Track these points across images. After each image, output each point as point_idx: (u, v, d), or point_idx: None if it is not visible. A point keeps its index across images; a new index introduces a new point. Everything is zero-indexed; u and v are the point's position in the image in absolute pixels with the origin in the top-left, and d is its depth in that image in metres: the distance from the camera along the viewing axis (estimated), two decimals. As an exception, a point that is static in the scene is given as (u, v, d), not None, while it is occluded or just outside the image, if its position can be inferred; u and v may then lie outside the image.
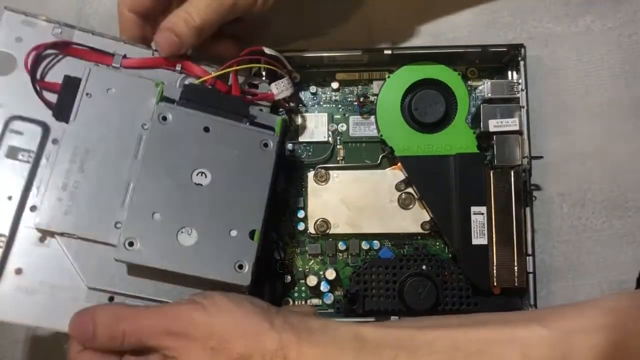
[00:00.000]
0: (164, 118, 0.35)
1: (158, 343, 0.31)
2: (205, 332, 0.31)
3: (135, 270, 0.34)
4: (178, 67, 0.38)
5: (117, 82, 0.36)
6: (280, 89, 0.40)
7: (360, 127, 0.44)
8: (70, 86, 0.35)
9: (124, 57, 0.37)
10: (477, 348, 0.31)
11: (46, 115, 0.35)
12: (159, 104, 0.35)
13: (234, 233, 0.35)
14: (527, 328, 0.31)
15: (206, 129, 0.35)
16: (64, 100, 0.35)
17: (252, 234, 0.35)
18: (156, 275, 0.34)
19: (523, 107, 0.42)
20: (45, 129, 0.35)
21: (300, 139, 0.44)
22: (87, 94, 0.35)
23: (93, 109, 0.35)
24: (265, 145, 0.37)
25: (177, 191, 0.34)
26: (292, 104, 0.43)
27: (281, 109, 0.43)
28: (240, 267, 0.34)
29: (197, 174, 0.35)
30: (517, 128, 0.41)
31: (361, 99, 0.44)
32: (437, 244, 0.43)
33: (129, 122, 0.35)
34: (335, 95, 0.45)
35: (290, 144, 0.44)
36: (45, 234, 0.34)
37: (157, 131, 0.35)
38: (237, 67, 0.38)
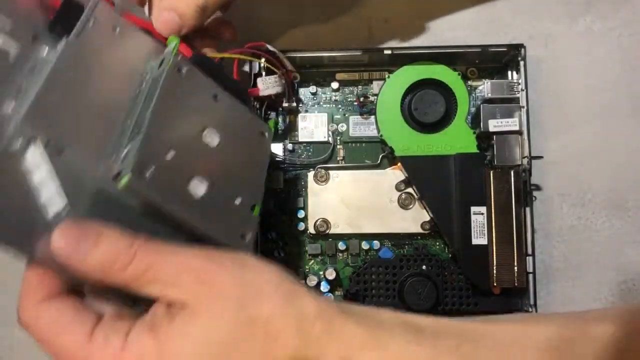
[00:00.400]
0: (179, 70, 0.33)
1: (174, 280, 0.24)
2: (230, 280, 0.25)
3: (124, 208, 0.29)
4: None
5: (124, 26, 0.33)
6: (266, 84, 0.40)
7: (360, 127, 0.44)
8: (72, 7, 0.31)
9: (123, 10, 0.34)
10: (555, 345, 0.27)
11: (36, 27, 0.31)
12: (175, 56, 0.33)
13: (238, 201, 0.33)
14: (602, 324, 0.27)
15: (215, 97, 0.34)
16: (64, 15, 0.31)
17: (252, 208, 0.34)
18: (147, 221, 0.29)
19: (523, 107, 0.42)
20: (35, 37, 0.30)
21: (300, 139, 0.44)
22: (93, 19, 0.31)
23: (95, 36, 0.31)
24: (262, 134, 0.36)
25: (189, 140, 0.32)
26: (289, 104, 0.43)
27: (280, 108, 0.43)
28: (242, 236, 0.33)
29: (206, 133, 0.33)
30: (517, 128, 0.41)
31: (361, 99, 0.44)
32: (437, 244, 0.43)
33: (130, 65, 0.33)
34: (335, 95, 0.45)
35: (290, 144, 0.44)
36: (22, 140, 0.27)
37: (172, 79, 0.32)
38: (239, 56, 0.38)
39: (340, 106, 0.45)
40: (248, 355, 0.24)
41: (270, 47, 0.39)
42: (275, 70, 0.40)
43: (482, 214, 0.41)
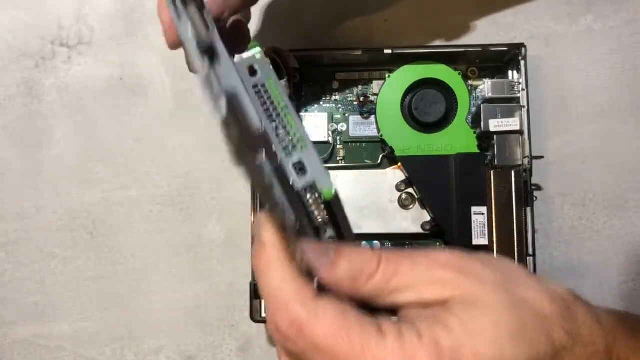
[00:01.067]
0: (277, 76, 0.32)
1: (429, 279, 0.23)
2: (484, 268, 0.24)
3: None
4: None
5: None
6: None
7: (360, 127, 0.44)
8: None
9: None
10: None
11: None
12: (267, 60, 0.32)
13: None
14: None
15: None
16: None
17: None
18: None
19: (524, 106, 0.41)
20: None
21: (300, 139, 0.44)
22: None
23: None
24: None
25: None
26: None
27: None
28: None
29: None
30: (517, 128, 0.41)
31: (361, 99, 0.44)
32: (438, 244, 0.43)
33: None
34: (335, 95, 0.45)
35: (290, 144, 0.44)
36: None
37: (278, 83, 0.31)
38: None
39: (340, 106, 0.45)
40: (534, 335, 0.23)
41: (276, 47, 0.39)
42: (286, 71, 0.40)
43: (483, 214, 0.41)
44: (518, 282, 0.24)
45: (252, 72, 0.32)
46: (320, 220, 0.28)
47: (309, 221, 0.27)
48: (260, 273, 0.23)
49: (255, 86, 0.31)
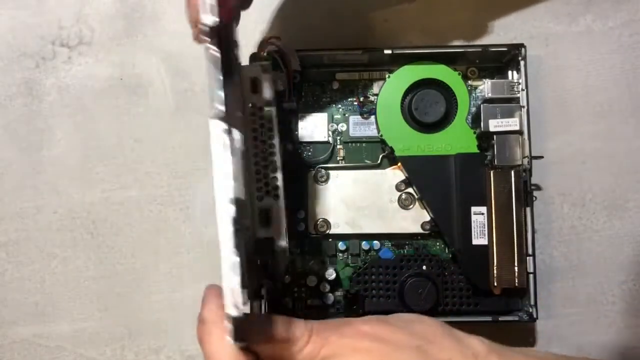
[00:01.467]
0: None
1: (353, 347, 0.27)
2: (403, 334, 0.28)
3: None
4: None
5: None
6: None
7: (360, 127, 0.44)
8: None
9: None
10: None
11: None
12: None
13: None
14: None
15: None
16: None
17: None
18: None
19: (523, 107, 0.41)
20: None
21: (300, 139, 0.44)
22: None
23: None
24: None
25: None
26: (289, 103, 0.43)
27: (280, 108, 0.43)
28: None
29: None
30: (517, 128, 0.41)
31: (361, 99, 0.44)
32: (437, 244, 0.43)
33: None
34: (335, 95, 0.45)
35: (290, 144, 0.44)
36: None
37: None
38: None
39: (340, 106, 0.45)
40: None
41: (280, 45, 0.39)
42: (286, 67, 0.40)
43: (483, 214, 0.41)
44: (432, 343, 0.28)
45: (254, 88, 0.31)
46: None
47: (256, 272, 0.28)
48: (201, 344, 0.27)
49: (252, 106, 0.30)
